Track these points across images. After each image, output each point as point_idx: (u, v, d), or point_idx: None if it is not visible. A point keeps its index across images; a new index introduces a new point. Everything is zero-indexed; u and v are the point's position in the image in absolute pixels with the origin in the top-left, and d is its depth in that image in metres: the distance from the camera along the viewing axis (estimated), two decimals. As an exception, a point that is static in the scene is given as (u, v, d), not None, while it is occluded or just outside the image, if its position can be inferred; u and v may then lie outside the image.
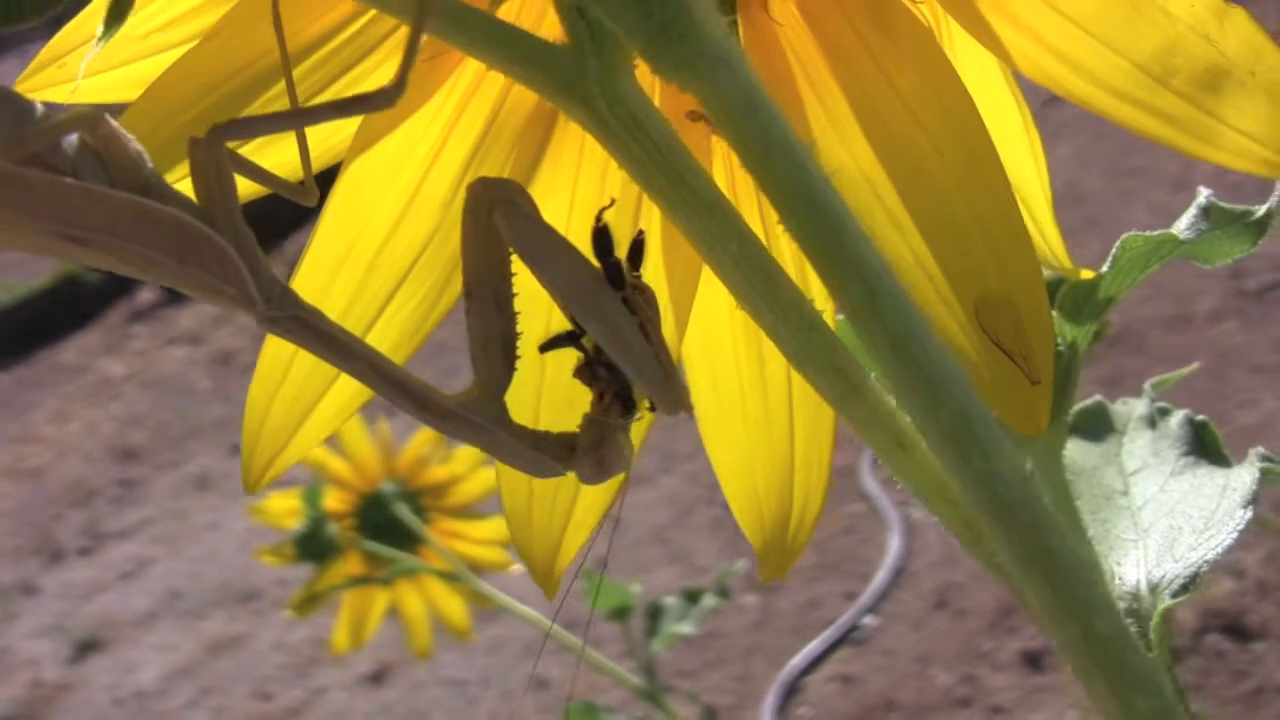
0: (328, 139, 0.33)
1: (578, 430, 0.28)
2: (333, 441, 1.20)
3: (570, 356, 0.34)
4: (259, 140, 0.33)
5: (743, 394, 0.35)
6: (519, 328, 0.28)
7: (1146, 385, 0.40)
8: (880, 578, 2.19)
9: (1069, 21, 0.29)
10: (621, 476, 0.31)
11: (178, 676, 2.80)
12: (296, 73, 0.31)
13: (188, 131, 0.30)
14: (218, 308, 0.28)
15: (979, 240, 0.30)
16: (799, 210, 0.23)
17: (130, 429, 4.16)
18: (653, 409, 0.28)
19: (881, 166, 0.30)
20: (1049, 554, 0.22)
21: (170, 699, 2.75)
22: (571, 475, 0.36)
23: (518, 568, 1.24)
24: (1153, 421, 0.39)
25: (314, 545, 1.19)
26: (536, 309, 0.32)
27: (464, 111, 0.33)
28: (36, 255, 0.30)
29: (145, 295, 5.41)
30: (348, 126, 0.33)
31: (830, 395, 0.27)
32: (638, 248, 0.27)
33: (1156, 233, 0.32)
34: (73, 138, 0.26)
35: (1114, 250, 0.32)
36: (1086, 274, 0.33)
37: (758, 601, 2.25)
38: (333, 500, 1.21)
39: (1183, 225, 0.33)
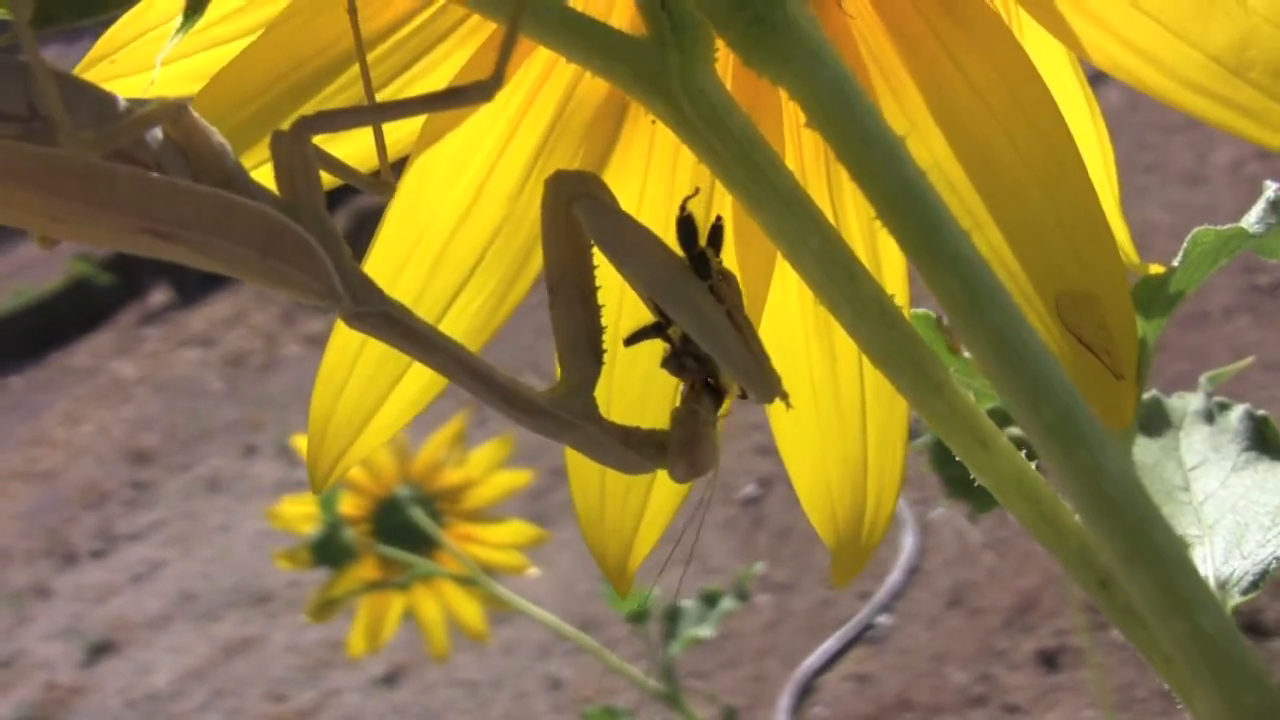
0: (393, 132, 0.33)
1: (666, 427, 0.28)
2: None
3: (642, 352, 0.34)
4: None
5: (815, 392, 0.35)
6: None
7: (1202, 379, 0.40)
8: (895, 577, 2.18)
9: (1143, 15, 0.29)
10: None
11: (191, 678, 2.80)
12: (367, 59, 0.31)
13: (251, 125, 0.30)
14: (303, 303, 0.27)
15: (1058, 235, 0.30)
16: (896, 204, 0.23)
17: (142, 431, 4.16)
18: (743, 397, 0.28)
19: (957, 161, 0.30)
20: (1155, 550, 0.21)
21: (183, 701, 2.75)
22: (640, 478, 0.36)
23: (533, 571, 1.24)
24: (1210, 416, 0.38)
25: (330, 550, 1.18)
26: (607, 310, 0.32)
27: (531, 105, 0.33)
28: (122, 249, 0.30)
29: (157, 297, 5.42)
30: (414, 120, 0.33)
31: (910, 393, 0.27)
32: (717, 233, 0.27)
33: (1227, 227, 0.32)
34: (156, 131, 0.26)
35: (1184, 245, 0.32)
36: (1155, 269, 0.33)
37: (772, 601, 2.25)
38: (348, 505, 1.21)
39: (1252, 219, 0.32)
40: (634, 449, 0.28)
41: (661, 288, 0.27)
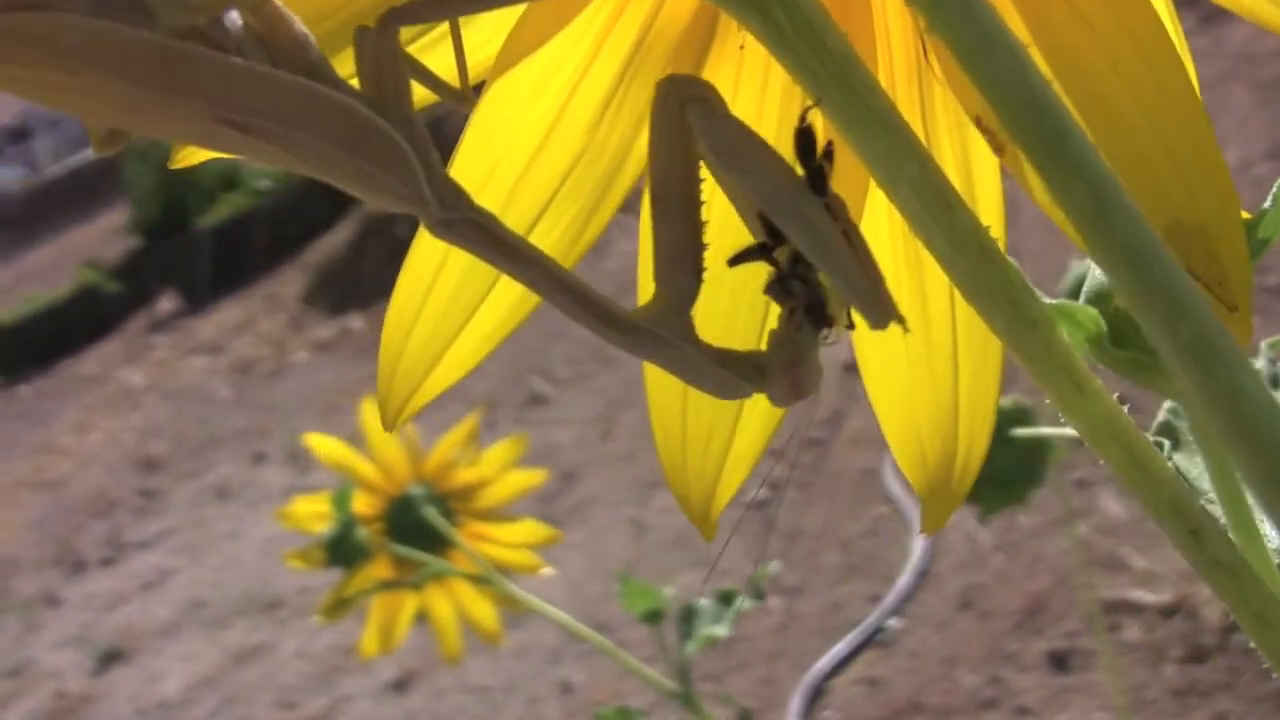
0: (471, 56, 0.31)
1: (764, 350, 0.27)
2: (360, 443, 1.20)
3: (724, 280, 0.32)
4: (414, 47, 0.31)
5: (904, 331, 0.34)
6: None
7: (1263, 344, 0.39)
8: (904, 580, 2.18)
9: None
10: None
11: (201, 686, 2.80)
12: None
13: (338, 35, 0.29)
14: (387, 208, 0.26)
15: (1167, 164, 0.29)
16: (1021, 111, 0.22)
17: (151, 439, 4.16)
18: (850, 327, 0.26)
19: (1062, 90, 0.29)
20: None
21: (194, 709, 2.75)
22: (724, 418, 0.35)
23: (547, 570, 1.23)
24: (1275, 381, 0.38)
25: (343, 549, 1.18)
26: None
27: (612, 30, 0.32)
28: (195, 145, 0.28)
29: (165, 305, 5.43)
30: (492, 43, 0.32)
31: (1005, 331, 0.26)
32: (829, 155, 0.25)
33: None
34: (235, 17, 0.25)
35: (1275, 189, 0.31)
36: (1244, 215, 0.32)
37: (782, 604, 2.25)
38: (360, 504, 1.20)
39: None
40: (731, 370, 0.27)
41: (776, 201, 0.25)
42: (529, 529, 1.23)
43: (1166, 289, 0.22)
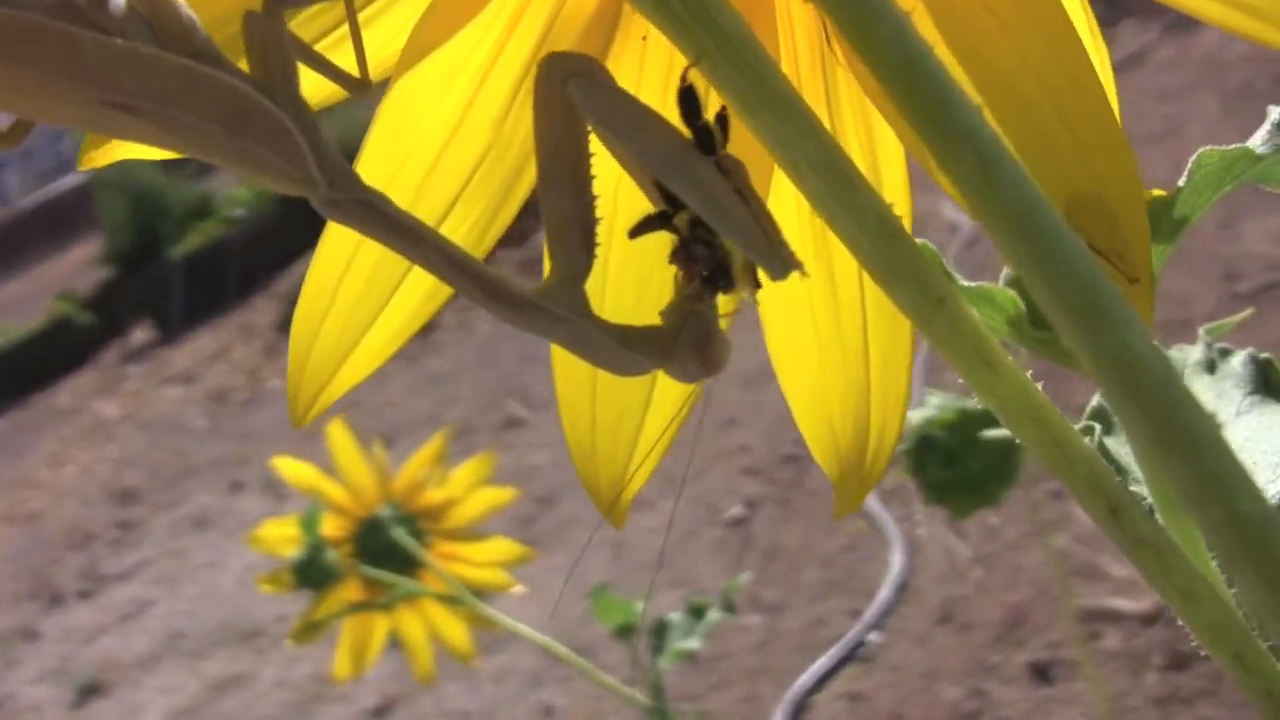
0: (375, 54, 0.32)
1: (664, 325, 0.27)
2: (328, 465, 1.19)
3: (631, 255, 0.33)
4: (322, 45, 0.32)
5: (814, 315, 0.34)
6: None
7: (1201, 331, 0.39)
8: (884, 594, 2.18)
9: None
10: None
11: (182, 717, 2.79)
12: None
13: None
14: (278, 189, 0.26)
15: (1067, 138, 0.29)
16: (904, 78, 0.22)
17: (126, 470, 4.15)
18: (758, 286, 0.26)
19: (961, 65, 0.29)
20: (1189, 432, 0.20)
21: (175, 741, 2.74)
22: (634, 401, 0.35)
23: (519, 589, 1.23)
24: (1211, 366, 0.37)
25: (312, 572, 1.18)
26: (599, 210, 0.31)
27: (518, 23, 0.32)
28: (88, 129, 0.28)
29: (138, 335, 5.42)
30: (398, 38, 0.32)
31: (912, 309, 0.26)
32: (722, 121, 0.26)
33: (1233, 147, 0.31)
34: (120, 1, 0.24)
35: (1189, 166, 0.31)
36: (1157, 192, 0.32)
37: (762, 621, 2.24)
38: (329, 526, 1.20)
39: (1258, 141, 0.31)
40: (631, 347, 0.26)
41: (665, 164, 0.25)
42: (500, 547, 1.23)
43: (1052, 250, 0.22)
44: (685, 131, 0.26)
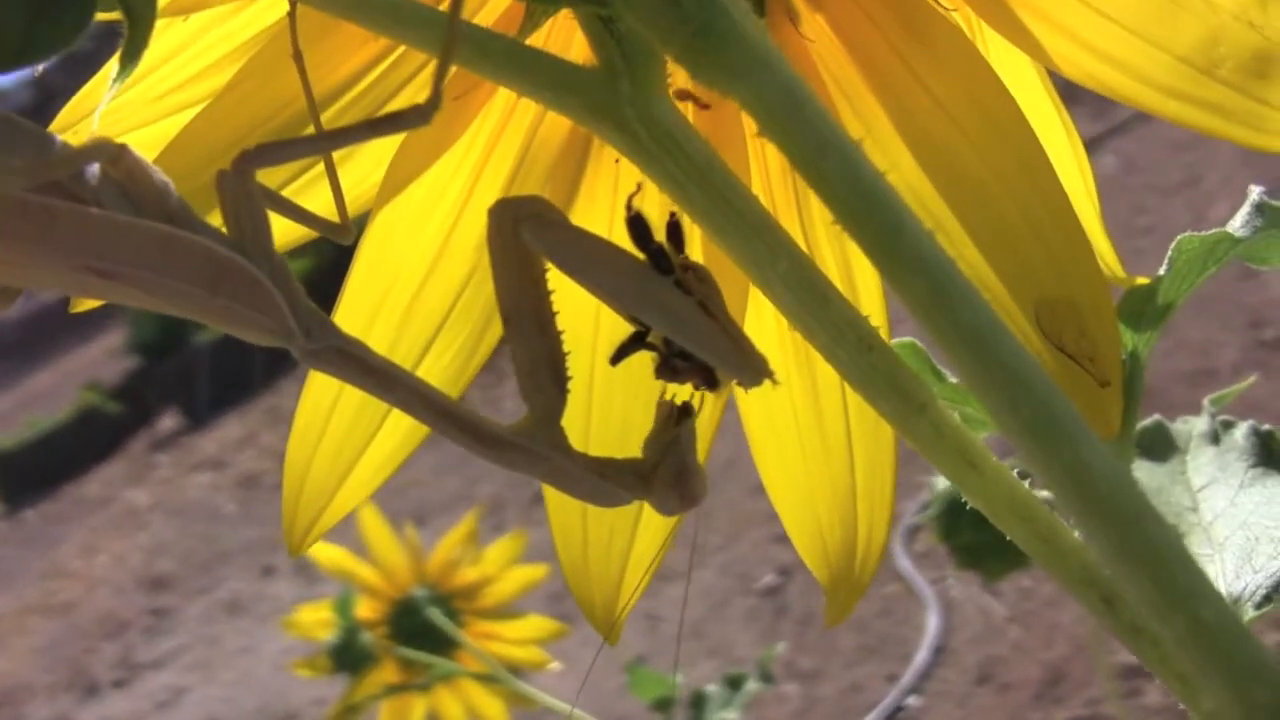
0: (356, 185, 0.32)
1: (643, 457, 0.27)
2: (361, 548, 1.19)
3: (615, 385, 0.33)
4: (299, 184, 0.33)
5: (798, 425, 0.34)
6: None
7: (1205, 401, 0.39)
8: (921, 657, 2.16)
9: (1106, 19, 0.29)
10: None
11: (220, 804, 2.78)
12: (323, 119, 0.30)
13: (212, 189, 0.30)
14: (258, 341, 0.26)
15: (1033, 244, 0.29)
16: (855, 207, 0.22)
17: (158, 558, 4.15)
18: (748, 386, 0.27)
19: (926, 176, 0.29)
20: (1149, 543, 0.21)
21: (213, 828, 2.72)
22: (624, 519, 0.35)
23: (554, 665, 1.22)
24: (1215, 437, 0.38)
25: (348, 655, 1.18)
26: (580, 340, 0.31)
27: (494, 150, 0.33)
28: (69, 293, 0.29)
29: (166, 423, 5.43)
30: (375, 173, 0.33)
31: (893, 417, 0.26)
32: (674, 229, 0.26)
33: (1212, 232, 0.31)
34: (95, 170, 0.25)
35: (1169, 253, 0.32)
36: (1141, 280, 0.33)
37: (799, 690, 2.23)
38: (364, 608, 1.20)
39: (1237, 223, 0.32)
40: (610, 480, 0.27)
41: (623, 294, 0.26)
42: (535, 624, 1.23)
43: (1006, 369, 0.22)
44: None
